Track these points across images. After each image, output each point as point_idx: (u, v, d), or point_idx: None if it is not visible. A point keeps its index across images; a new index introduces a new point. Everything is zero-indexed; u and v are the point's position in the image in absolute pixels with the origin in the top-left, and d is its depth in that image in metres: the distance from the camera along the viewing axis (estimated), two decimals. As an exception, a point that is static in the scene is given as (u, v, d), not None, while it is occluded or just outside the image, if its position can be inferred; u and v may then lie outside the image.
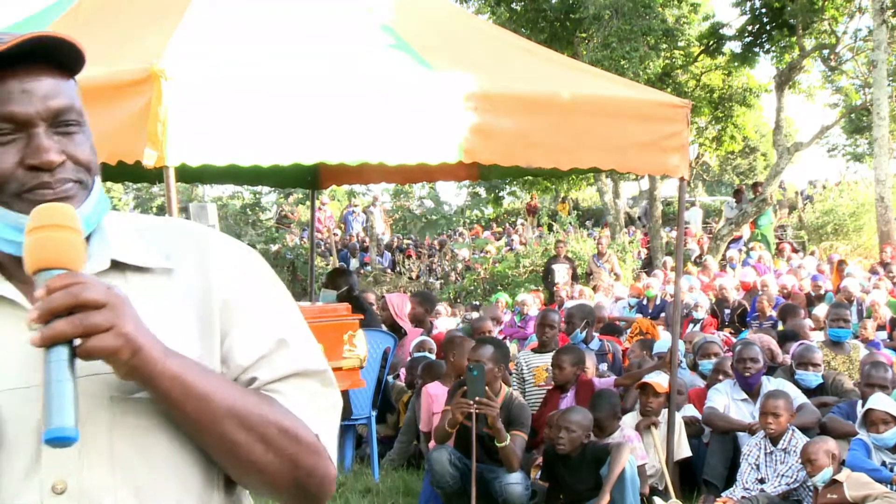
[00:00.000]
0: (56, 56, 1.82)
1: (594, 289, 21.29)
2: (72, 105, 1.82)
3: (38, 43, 1.78)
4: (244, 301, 2.02)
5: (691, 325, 15.98)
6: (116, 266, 1.94)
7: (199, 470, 1.94)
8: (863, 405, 8.61)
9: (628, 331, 14.77)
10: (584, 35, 27.55)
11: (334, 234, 33.25)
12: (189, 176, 9.02)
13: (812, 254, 26.19)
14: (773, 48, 30.46)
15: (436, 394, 9.45)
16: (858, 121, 30.48)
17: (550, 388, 9.95)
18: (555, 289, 20.94)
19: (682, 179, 8.96)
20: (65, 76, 1.86)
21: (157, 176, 6.79)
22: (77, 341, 1.69)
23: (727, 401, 9.50)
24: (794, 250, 27.38)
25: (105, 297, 1.71)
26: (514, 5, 28.49)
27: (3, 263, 1.87)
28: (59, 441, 1.68)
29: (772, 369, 10.27)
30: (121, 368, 1.75)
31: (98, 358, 1.73)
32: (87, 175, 1.86)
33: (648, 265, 27.01)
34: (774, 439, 8.58)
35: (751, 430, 9.01)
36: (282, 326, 2.05)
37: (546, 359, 10.36)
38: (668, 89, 24.30)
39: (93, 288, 1.70)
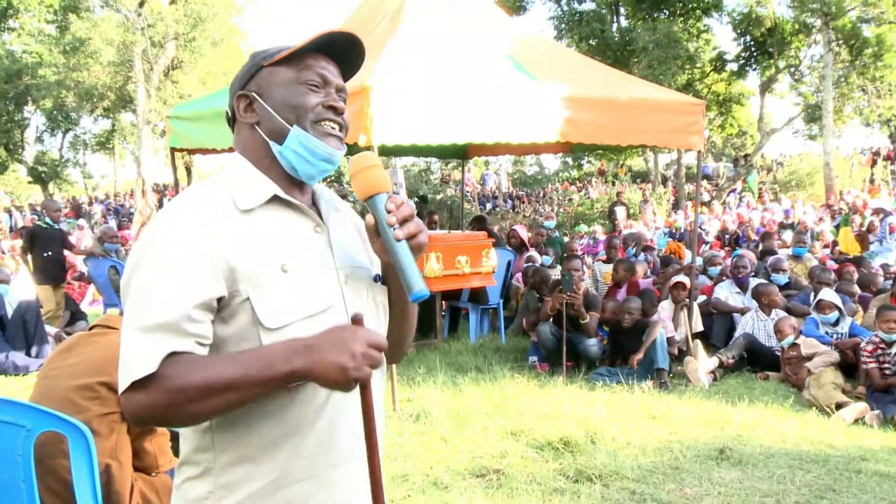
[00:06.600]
0: (341, 59, 1.90)
1: (642, 222, 20.98)
2: (345, 87, 1.89)
3: (348, 39, 1.86)
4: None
5: (704, 246, 15.68)
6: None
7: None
8: (814, 296, 8.63)
9: (663, 249, 14.52)
10: (636, 59, 27.00)
11: (476, 188, 33.27)
12: (386, 151, 9.04)
13: (780, 201, 25.58)
14: (758, 67, 30.20)
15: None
16: (813, 114, 29.86)
17: (611, 285, 9.84)
18: (616, 222, 20.69)
19: (699, 152, 8.75)
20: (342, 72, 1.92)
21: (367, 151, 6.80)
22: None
23: (727, 293, 9.45)
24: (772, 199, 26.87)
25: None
26: (591, 41, 28.17)
27: (281, 179, 1.82)
28: (421, 297, 1.71)
29: (755, 273, 10.12)
30: (417, 255, 1.75)
31: (423, 250, 1.78)
32: (345, 127, 1.89)
33: (676, 207, 26.67)
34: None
35: (742, 312, 8.89)
36: None
37: (610, 267, 10.30)
38: (690, 94, 23.67)
39: (410, 204, 1.75)
